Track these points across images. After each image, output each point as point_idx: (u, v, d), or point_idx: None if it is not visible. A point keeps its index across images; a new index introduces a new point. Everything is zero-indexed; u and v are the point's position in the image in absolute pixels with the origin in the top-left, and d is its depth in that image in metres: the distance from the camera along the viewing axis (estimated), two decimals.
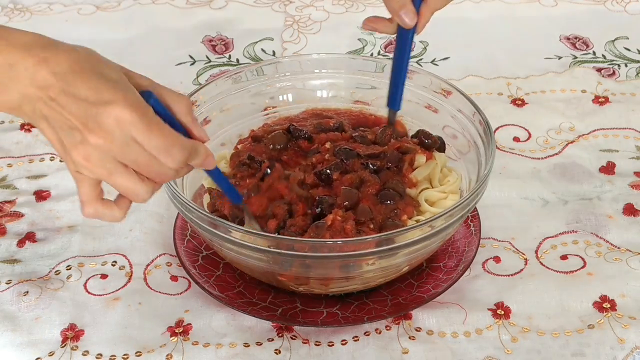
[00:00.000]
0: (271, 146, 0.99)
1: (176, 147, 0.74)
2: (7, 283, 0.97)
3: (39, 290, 0.96)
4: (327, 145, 0.99)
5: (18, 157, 1.15)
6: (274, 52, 1.35)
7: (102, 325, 0.93)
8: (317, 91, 1.09)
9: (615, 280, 0.97)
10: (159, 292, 0.97)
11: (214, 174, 0.83)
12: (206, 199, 0.99)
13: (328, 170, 0.94)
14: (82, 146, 0.72)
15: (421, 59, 1.32)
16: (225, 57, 1.34)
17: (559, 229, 1.03)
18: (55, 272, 0.99)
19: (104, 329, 0.93)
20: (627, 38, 1.35)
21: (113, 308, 0.95)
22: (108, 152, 0.72)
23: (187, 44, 1.37)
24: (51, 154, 1.15)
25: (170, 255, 1.01)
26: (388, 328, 0.92)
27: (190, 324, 0.93)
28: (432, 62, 1.32)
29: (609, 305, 0.94)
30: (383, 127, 1.01)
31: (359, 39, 1.36)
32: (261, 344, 0.91)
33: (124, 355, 0.90)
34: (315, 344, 0.91)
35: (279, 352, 0.90)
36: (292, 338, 0.92)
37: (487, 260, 1.00)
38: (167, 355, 0.90)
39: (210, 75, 1.30)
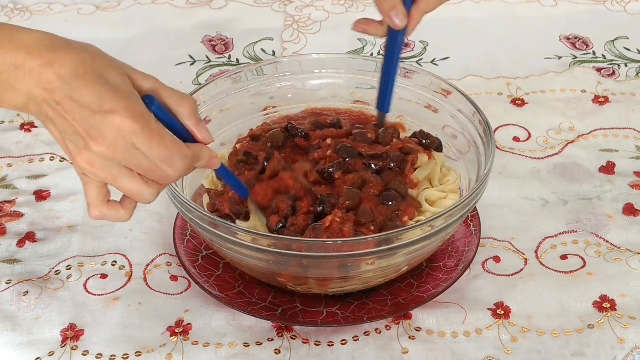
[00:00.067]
0: (269, 144, 0.99)
1: (177, 157, 0.75)
2: (7, 283, 0.97)
3: (39, 290, 0.96)
4: (328, 141, 0.99)
5: (18, 157, 1.15)
6: (274, 52, 1.35)
7: (102, 325, 0.93)
8: (317, 91, 1.09)
9: (615, 280, 0.97)
10: (159, 292, 0.97)
11: (220, 170, 0.84)
12: (206, 199, 0.99)
13: (331, 169, 0.94)
14: (85, 152, 0.73)
15: (421, 59, 1.32)
16: (225, 57, 1.34)
17: (559, 229, 1.03)
18: (55, 272, 0.99)
19: (104, 329, 0.93)
20: (627, 38, 1.35)
21: (113, 308, 0.95)
22: (111, 159, 0.73)
23: (187, 44, 1.37)
24: (51, 154, 1.15)
25: (170, 255, 1.01)
26: (388, 328, 0.92)
27: (190, 324, 0.93)
28: (432, 62, 1.32)
29: (609, 305, 0.94)
30: (385, 127, 1.01)
31: (359, 39, 1.36)
32: (261, 344, 0.91)
33: (124, 355, 0.90)
34: (315, 344, 0.91)
35: (279, 352, 0.90)
36: (292, 338, 0.92)
37: (487, 260, 1.00)
38: (167, 355, 0.90)
39: (210, 75, 1.30)
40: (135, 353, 0.90)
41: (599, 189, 1.09)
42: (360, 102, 1.09)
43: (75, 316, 0.94)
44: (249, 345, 0.91)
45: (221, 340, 0.91)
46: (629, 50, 1.33)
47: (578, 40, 1.35)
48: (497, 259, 1.00)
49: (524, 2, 1.44)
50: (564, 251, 1.01)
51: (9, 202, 1.08)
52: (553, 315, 0.93)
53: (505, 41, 1.36)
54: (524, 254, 1.00)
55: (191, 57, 1.34)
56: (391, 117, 1.06)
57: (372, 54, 1.33)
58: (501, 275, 0.98)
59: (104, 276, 0.98)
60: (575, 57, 1.32)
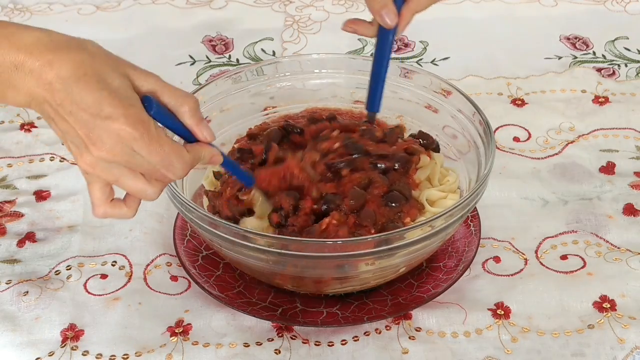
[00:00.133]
0: (267, 142, 0.99)
1: (176, 162, 0.75)
2: (7, 283, 0.97)
3: (39, 290, 0.96)
4: (335, 133, 0.99)
5: (18, 157, 1.15)
6: (274, 52, 1.35)
7: (102, 325, 0.93)
8: (317, 91, 1.09)
9: (615, 280, 0.97)
10: (159, 292, 0.97)
11: (223, 164, 0.84)
12: (205, 201, 0.99)
13: (340, 165, 0.93)
14: (86, 155, 0.73)
15: (421, 59, 1.32)
16: (225, 57, 1.34)
17: (559, 229, 1.03)
18: (55, 272, 0.99)
19: (104, 329, 0.93)
20: (627, 38, 1.35)
21: (113, 308, 0.95)
22: (112, 162, 0.73)
23: (187, 44, 1.37)
24: (51, 154, 1.15)
25: (170, 255, 1.01)
26: (388, 328, 0.92)
27: (190, 324, 0.93)
28: (432, 62, 1.32)
29: (609, 305, 0.94)
30: (392, 127, 1.01)
31: (359, 39, 1.36)
32: (261, 344, 0.91)
33: (124, 355, 0.90)
34: (315, 344, 0.91)
35: (279, 352, 0.90)
36: (292, 338, 0.92)
37: (487, 260, 1.00)
38: (167, 355, 0.90)
39: (210, 75, 1.30)
40: (135, 353, 0.90)
41: (599, 189, 1.09)
42: (360, 102, 1.09)
43: (75, 316, 0.94)
44: (249, 345, 0.91)
45: (221, 340, 0.91)
46: (629, 50, 1.33)
47: (578, 40, 1.35)
48: (497, 259, 1.00)
49: (524, 2, 1.44)
50: (564, 251, 1.01)
51: (9, 202, 1.08)
52: (553, 315, 0.93)
53: (505, 41, 1.36)
54: (524, 254, 1.00)
55: (191, 57, 1.34)
56: (391, 117, 1.06)
57: (372, 54, 1.33)
58: (501, 275, 0.98)
59: (104, 276, 0.98)
60: (575, 57, 1.32)
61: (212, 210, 0.96)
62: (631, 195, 1.08)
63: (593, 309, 0.94)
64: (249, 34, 1.38)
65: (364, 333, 0.92)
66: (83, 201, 1.07)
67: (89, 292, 0.97)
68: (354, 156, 0.95)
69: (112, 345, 0.91)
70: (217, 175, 1.00)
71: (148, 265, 1.00)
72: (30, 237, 1.03)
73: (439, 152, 1.02)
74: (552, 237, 1.02)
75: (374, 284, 0.94)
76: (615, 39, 1.35)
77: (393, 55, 1.32)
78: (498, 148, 1.13)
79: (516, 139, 1.16)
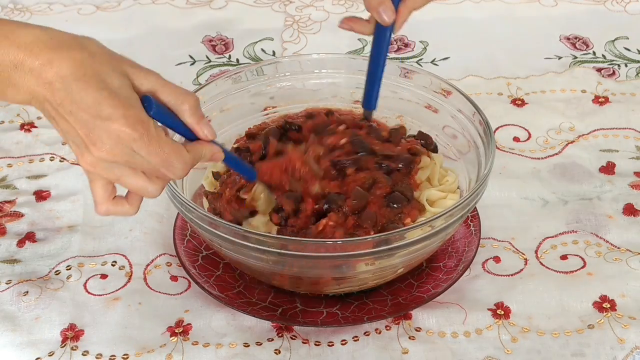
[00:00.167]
0: (264, 138, 0.99)
1: (176, 163, 0.76)
2: (7, 283, 0.97)
3: (39, 290, 0.96)
4: (342, 127, 0.98)
5: (18, 157, 1.15)
6: (274, 52, 1.35)
7: (102, 325, 0.93)
8: (317, 91, 1.09)
9: (615, 280, 0.97)
10: (159, 292, 0.97)
11: (225, 160, 0.84)
12: (206, 202, 0.99)
13: (346, 163, 0.93)
14: (87, 154, 0.74)
15: (421, 59, 1.32)
16: (225, 57, 1.34)
17: (559, 229, 1.03)
18: (55, 272, 0.99)
19: (104, 329, 0.93)
20: (627, 38, 1.35)
21: (113, 308, 0.95)
22: (112, 162, 0.73)
23: (187, 44, 1.37)
24: (51, 154, 1.15)
25: (170, 255, 1.01)
26: (388, 328, 0.92)
27: (190, 324, 0.93)
28: (432, 62, 1.32)
29: (609, 305, 0.94)
30: (396, 127, 1.01)
31: (359, 39, 1.36)
32: (261, 344, 0.91)
33: (124, 355, 0.90)
34: (315, 344, 0.91)
35: (279, 352, 0.90)
36: (292, 338, 0.92)
37: (487, 260, 1.00)
38: (167, 355, 0.90)
39: (210, 75, 1.30)
40: (135, 353, 0.90)
41: (599, 189, 1.09)
42: (360, 102, 1.09)
43: (75, 316, 0.94)
44: (248, 345, 0.91)
45: (221, 340, 0.91)
46: (629, 50, 1.33)
47: (578, 40, 1.35)
48: (497, 259, 1.00)
49: (524, 2, 1.44)
50: (564, 251, 1.01)
51: (9, 202, 1.08)
52: (553, 315, 0.93)
53: (505, 41, 1.36)
54: (524, 254, 1.00)
55: (191, 57, 1.34)
56: (391, 117, 1.06)
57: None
58: (501, 275, 0.98)
59: (104, 276, 0.98)
60: (575, 57, 1.32)
61: (212, 212, 0.96)
62: (631, 195, 1.08)
63: (593, 309, 0.94)
64: (249, 34, 1.38)
65: (364, 333, 0.92)
66: (83, 201, 1.07)
67: (89, 292, 0.97)
68: (359, 154, 0.95)
69: (112, 345, 0.91)
70: (216, 175, 1.00)
71: (148, 265, 1.00)
72: (30, 237, 1.03)
73: (437, 152, 1.02)
74: (552, 237, 1.02)
75: (373, 285, 0.94)
76: (615, 39, 1.35)
77: (393, 55, 1.33)
78: (498, 148, 1.13)
79: (516, 139, 1.16)
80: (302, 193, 0.92)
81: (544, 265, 0.99)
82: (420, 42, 1.36)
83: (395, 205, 0.91)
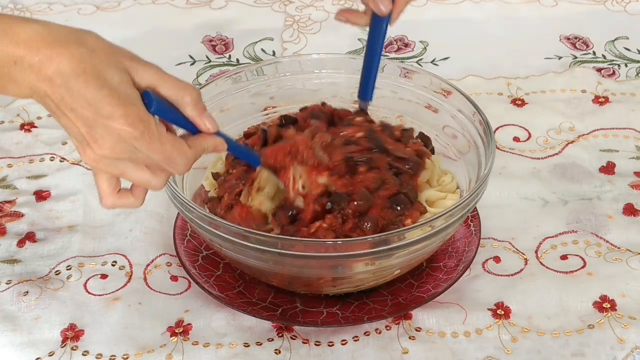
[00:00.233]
0: (262, 131, 0.99)
1: (178, 158, 0.76)
2: (7, 283, 0.97)
3: (39, 290, 0.96)
4: (360, 119, 0.98)
5: (18, 157, 1.15)
6: (274, 52, 1.35)
7: (102, 325, 0.93)
8: (317, 91, 1.09)
9: (615, 280, 0.97)
10: (159, 292, 0.97)
11: (229, 149, 0.83)
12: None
13: (360, 160, 0.92)
14: (89, 151, 0.74)
15: (421, 59, 1.32)
16: (225, 57, 1.34)
17: (559, 229, 1.03)
18: (55, 272, 0.99)
19: (104, 329, 0.93)
20: (627, 38, 1.35)
21: (113, 308, 0.95)
22: (115, 158, 0.73)
23: (187, 44, 1.37)
24: (51, 154, 1.15)
25: (170, 255, 1.01)
26: (388, 328, 0.92)
27: (190, 324, 0.93)
28: (432, 62, 1.32)
29: (609, 305, 0.94)
30: (406, 128, 1.01)
31: (359, 39, 1.36)
32: (261, 344, 0.91)
33: (124, 355, 0.90)
34: (315, 344, 0.91)
35: (279, 352, 0.90)
36: (292, 338, 0.92)
37: (487, 260, 1.00)
38: (167, 356, 0.90)
39: (210, 75, 1.30)
40: (135, 353, 0.90)
41: (599, 189, 1.09)
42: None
43: (75, 316, 0.94)
44: (249, 345, 0.91)
45: (221, 340, 0.91)
46: (629, 50, 1.33)
47: (578, 40, 1.35)
48: (497, 259, 1.00)
49: (524, 2, 1.44)
50: (564, 251, 1.01)
51: (9, 202, 1.08)
52: (553, 315, 0.93)
53: (505, 41, 1.36)
54: (524, 254, 1.00)
55: (191, 57, 1.34)
56: (391, 117, 1.06)
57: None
58: (501, 275, 0.98)
59: (104, 276, 0.98)
60: (575, 57, 1.32)
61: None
62: (631, 195, 1.08)
63: (593, 309, 0.94)
64: (249, 34, 1.38)
65: (364, 333, 0.92)
66: (83, 201, 1.07)
67: (89, 292, 0.97)
68: (373, 151, 0.94)
69: (112, 345, 0.91)
70: (215, 176, 1.00)
71: (148, 265, 1.00)
72: (30, 237, 1.03)
73: (434, 153, 1.02)
74: (552, 237, 1.02)
75: (372, 285, 0.94)
76: (615, 39, 1.35)
77: (393, 55, 1.33)
78: (498, 148, 1.13)
79: (516, 139, 1.16)
80: (307, 156, 0.91)
81: (544, 265, 0.99)
82: (420, 42, 1.36)
83: (398, 207, 0.91)
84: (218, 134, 0.80)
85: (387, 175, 0.93)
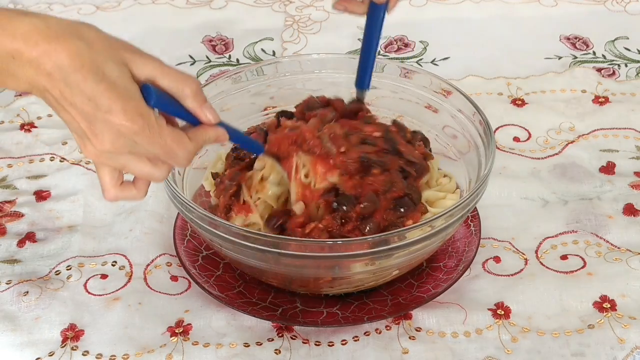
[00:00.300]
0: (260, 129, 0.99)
1: (179, 151, 0.76)
2: (7, 283, 0.97)
3: (39, 290, 0.96)
4: (378, 118, 0.98)
5: (18, 157, 1.15)
6: (274, 52, 1.35)
7: (102, 325, 0.93)
8: (317, 91, 1.09)
9: (615, 280, 0.97)
10: (159, 292, 0.97)
11: (231, 139, 0.82)
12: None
13: (376, 162, 0.91)
14: (90, 146, 0.73)
15: (421, 59, 1.32)
16: (225, 57, 1.34)
17: (559, 229, 1.03)
18: (55, 272, 0.99)
19: (104, 329, 0.93)
20: (627, 38, 1.36)
21: (113, 308, 0.95)
22: (115, 152, 0.73)
23: (187, 44, 1.37)
24: (51, 154, 1.15)
25: (170, 255, 1.01)
26: (388, 328, 0.92)
27: (190, 324, 0.93)
28: (432, 62, 1.32)
29: (609, 305, 0.94)
30: (415, 130, 1.00)
31: (359, 39, 1.35)
32: (261, 344, 0.91)
33: (124, 355, 0.90)
34: (315, 344, 0.91)
35: (279, 352, 0.90)
36: (292, 338, 0.92)
37: (487, 260, 1.00)
38: (167, 356, 0.90)
39: (210, 75, 1.30)
40: (135, 353, 0.90)
41: (599, 189, 1.09)
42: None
43: (75, 316, 0.94)
44: (249, 345, 0.91)
45: (221, 340, 0.91)
46: (629, 50, 1.33)
47: (578, 40, 1.35)
48: (497, 259, 1.00)
49: (524, 2, 1.44)
50: (564, 251, 1.01)
51: (9, 202, 1.08)
52: (553, 315, 0.93)
53: (505, 41, 1.36)
54: (524, 254, 1.00)
55: (191, 57, 1.34)
56: (391, 117, 1.06)
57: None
58: (501, 275, 0.98)
59: (104, 276, 0.98)
60: (575, 57, 1.32)
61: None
62: (631, 195, 1.08)
63: (593, 309, 0.94)
64: (249, 34, 1.38)
65: (364, 333, 0.92)
66: (83, 201, 1.07)
67: (89, 292, 0.97)
68: (387, 152, 0.93)
69: (112, 345, 0.91)
70: (214, 176, 1.00)
71: (148, 265, 1.00)
72: (30, 237, 1.03)
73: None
74: (552, 237, 1.02)
75: (372, 285, 0.94)
76: (615, 39, 1.35)
77: (393, 55, 1.33)
78: (498, 148, 1.13)
79: (516, 139, 1.16)
80: (313, 145, 0.90)
81: (544, 265, 0.99)
82: (420, 42, 1.36)
83: (402, 209, 0.90)
84: (220, 124, 0.80)
85: (397, 178, 0.92)
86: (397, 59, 1.32)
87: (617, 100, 1.23)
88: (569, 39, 1.36)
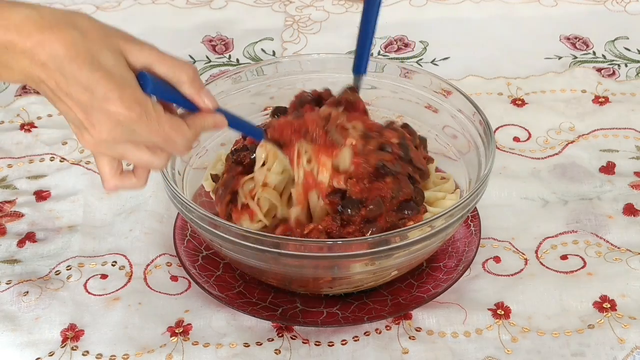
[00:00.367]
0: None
1: (178, 138, 0.75)
2: (7, 283, 0.97)
3: (39, 290, 0.96)
4: (399, 122, 0.98)
5: (18, 157, 1.15)
6: (274, 52, 1.35)
7: (102, 325, 0.93)
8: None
9: (615, 280, 0.97)
10: (159, 292, 0.97)
11: (230, 125, 0.82)
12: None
13: (392, 169, 0.90)
14: (87, 136, 0.73)
15: (421, 59, 1.32)
16: (225, 57, 1.34)
17: (559, 229, 1.03)
18: (55, 272, 0.99)
19: (104, 329, 0.93)
20: (627, 38, 1.35)
21: (113, 308, 0.95)
22: (113, 141, 0.73)
23: (187, 44, 1.37)
24: (51, 154, 1.15)
25: (170, 255, 1.01)
26: (388, 328, 0.92)
27: (190, 324, 0.93)
28: (432, 62, 1.32)
29: (609, 305, 0.94)
30: (421, 135, 1.00)
31: None
32: (261, 344, 0.91)
33: (124, 355, 0.90)
34: (315, 344, 0.91)
35: (279, 352, 0.90)
36: (292, 338, 0.92)
37: (487, 260, 1.00)
38: (167, 356, 0.90)
39: (210, 75, 1.30)
40: (135, 353, 0.90)
41: (599, 189, 1.09)
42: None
43: (75, 316, 0.94)
44: (249, 345, 0.91)
45: (221, 340, 0.91)
46: (629, 50, 1.33)
47: (578, 40, 1.35)
48: (497, 259, 1.00)
49: (524, 2, 1.44)
50: (564, 251, 1.01)
51: (9, 202, 1.08)
52: (553, 315, 0.93)
53: (505, 41, 1.36)
54: (524, 254, 1.00)
55: (191, 57, 1.34)
56: (391, 117, 1.06)
57: (372, 54, 1.33)
58: (501, 275, 0.98)
59: (104, 276, 0.98)
60: (575, 57, 1.32)
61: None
62: (631, 195, 1.08)
63: (593, 309, 0.94)
64: (249, 34, 1.38)
65: (364, 333, 0.92)
66: (83, 201, 1.07)
67: (89, 292, 0.97)
68: (400, 159, 0.93)
69: (112, 345, 0.91)
70: (214, 177, 1.00)
71: (148, 265, 1.00)
72: (30, 237, 1.03)
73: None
74: (552, 237, 1.02)
75: (372, 285, 0.94)
76: (615, 39, 1.35)
77: (393, 55, 1.33)
78: (498, 148, 1.13)
79: (516, 139, 1.16)
80: (314, 138, 0.90)
81: (544, 265, 0.99)
82: (420, 42, 1.36)
83: (406, 212, 0.90)
84: (218, 110, 0.79)
85: (405, 184, 0.91)
86: (397, 59, 1.32)
87: (617, 100, 1.23)
88: (569, 39, 1.36)
